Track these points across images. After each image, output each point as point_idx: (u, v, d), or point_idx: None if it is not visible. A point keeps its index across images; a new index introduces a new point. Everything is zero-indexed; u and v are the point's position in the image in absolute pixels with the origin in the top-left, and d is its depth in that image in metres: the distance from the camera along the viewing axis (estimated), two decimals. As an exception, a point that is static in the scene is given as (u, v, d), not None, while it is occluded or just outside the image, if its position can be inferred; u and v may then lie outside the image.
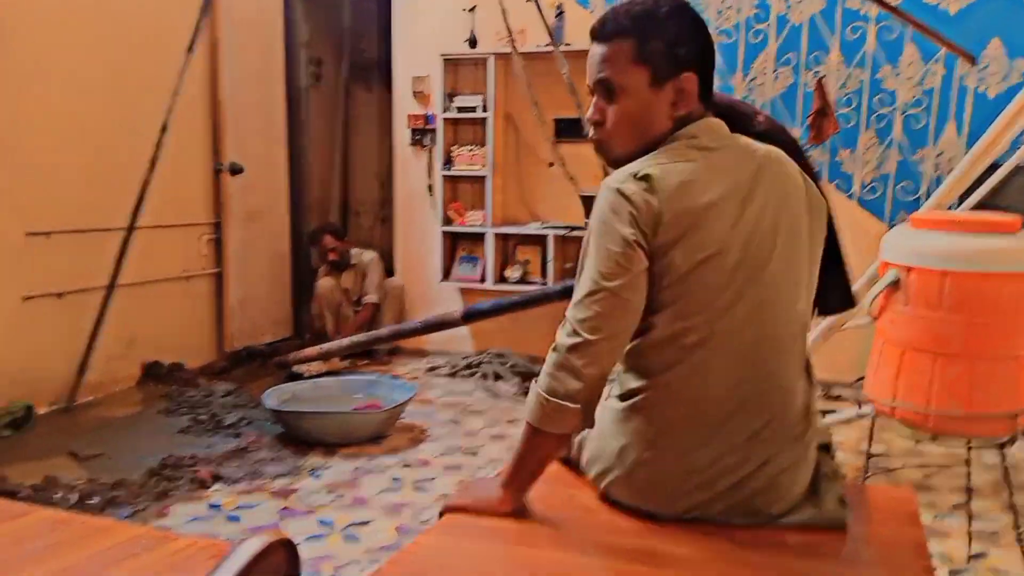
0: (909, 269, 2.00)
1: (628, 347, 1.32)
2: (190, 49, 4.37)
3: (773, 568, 1.20)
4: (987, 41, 4.24)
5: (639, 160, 1.29)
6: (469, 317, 4.08)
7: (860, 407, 2.88)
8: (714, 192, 1.26)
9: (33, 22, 3.65)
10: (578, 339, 1.25)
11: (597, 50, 1.35)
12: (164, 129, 4.23)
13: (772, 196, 1.31)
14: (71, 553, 1.13)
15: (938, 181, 4.15)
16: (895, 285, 2.01)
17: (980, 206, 3.77)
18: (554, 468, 1.50)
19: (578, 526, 1.34)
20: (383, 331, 4.49)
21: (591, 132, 1.39)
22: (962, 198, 3.72)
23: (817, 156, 4.48)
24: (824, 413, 3.29)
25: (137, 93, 4.18)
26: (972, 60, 4.20)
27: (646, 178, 1.24)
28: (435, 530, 1.37)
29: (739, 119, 2.74)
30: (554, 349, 1.28)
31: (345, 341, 4.41)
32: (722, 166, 1.31)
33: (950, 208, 3.75)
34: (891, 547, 1.25)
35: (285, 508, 2.84)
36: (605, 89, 1.34)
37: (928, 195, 4.16)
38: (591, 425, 1.31)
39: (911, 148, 4.37)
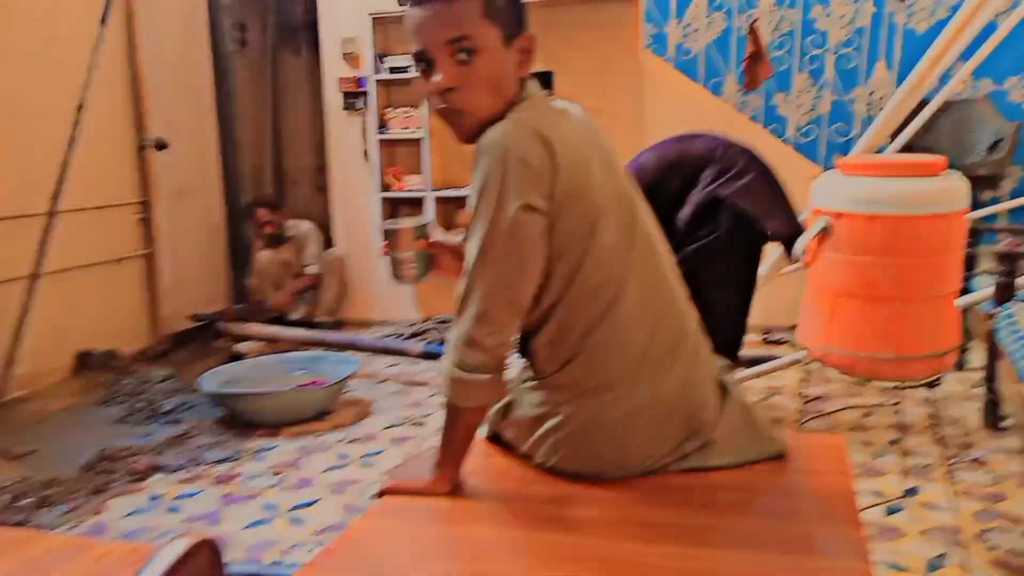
0: (838, 215, 1.99)
1: (543, 318, 1.30)
2: (103, 21, 4.14)
3: (711, 521, 1.21)
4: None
5: (512, 119, 1.24)
6: (428, 356, 4.00)
7: (796, 353, 2.90)
8: (587, 150, 1.27)
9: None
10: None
11: (439, 8, 1.24)
12: (81, 107, 4.02)
13: (610, 148, 1.36)
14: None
15: (870, 121, 4.16)
16: (825, 231, 2.00)
17: (911, 145, 3.80)
18: (485, 444, 1.49)
19: (516, 499, 1.32)
20: (333, 336, 4.40)
21: (438, 102, 1.28)
22: (894, 137, 3.73)
23: (752, 101, 4.46)
24: (760, 360, 3.33)
25: (50, 71, 3.98)
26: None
27: (545, 140, 1.20)
28: (371, 514, 1.35)
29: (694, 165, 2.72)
30: (456, 324, 1.24)
31: (291, 333, 4.34)
32: (578, 124, 1.31)
33: (881, 149, 3.76)
34: (820, 496, 1.26)
35: (227, 495, 2.78)
36: (460, 50, 1.24)
37: (862, 135, 4.18)
38: (504, 395, 1.32)
39: (844, 88, 4.37)
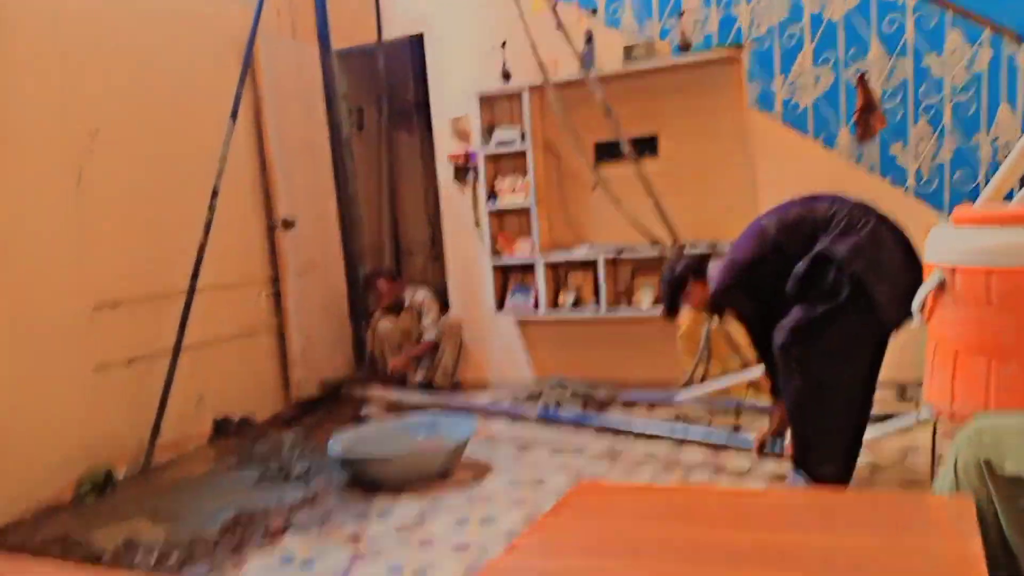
0: (953, 269, 1.93)
1: None
2: (233, 116, 4.50)
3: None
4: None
5: None
6: (544, 418, 4.12)
7: (919, 410, 2.79)
8: None
9: (88, 102, 3.84)
10: None
11: None
12: (215, 193, 4.34)
13: None
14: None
15: (995, 166, 4.00)
16: (941, 286, 1.94)
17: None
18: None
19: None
20: (454, 403, 4.56)
21: None
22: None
23: (868, 153, 4.37)
24: (886, 417, 3.19)
25: (187, 162, 4.34)
26: (1018, 39, 4.05)
27: None
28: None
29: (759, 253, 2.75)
30: None
31: (416, 397, 4.50)
32: None
33: (1010, 195, 3.60)
34: (943, 560, 1.20)
35: (355, 555, 2.86)
36: None
37: (988, 181, 4.01)
38: None
39: (965, 135, 4.23)
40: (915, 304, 2.06)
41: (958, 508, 1.38)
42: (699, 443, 3.69)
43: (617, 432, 3.95)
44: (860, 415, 2.79)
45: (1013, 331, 1.83)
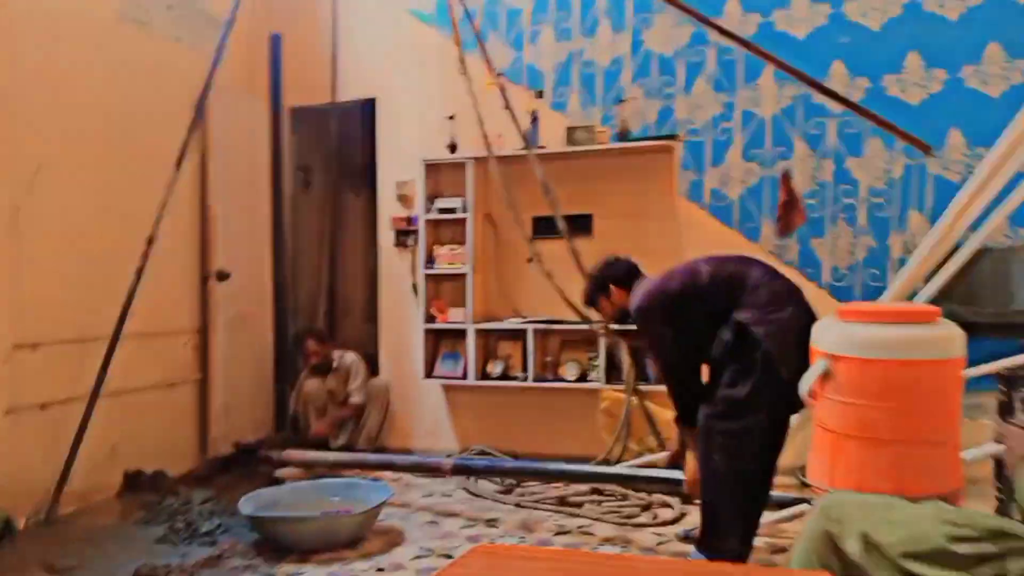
0: (836, 358, 2.06)
1: None
2: (178, 164, 4.53)
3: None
4: (947, 130, 4.40)
5: None
6: (458, 471, 4.10)
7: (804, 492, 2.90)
8: None
9: (33, 139, 3.83)
10: None
11: None
12: (151, 240, 4.33)
13: None
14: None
15: (902, 264, 4.23)
16: (825, 374, 2.07)
17: (949, 292, 3.85)
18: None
19: None
20: (371, 457, 4.56)
21: None
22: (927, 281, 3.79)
23: (789, 246, 4.58)
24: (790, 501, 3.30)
25: (126, 206, 4.33)
26: (929, 150, 4.34)
27: None
28: None
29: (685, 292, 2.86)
30: None
31: (331, 456, 4.48)
32: None
33: (914, 294, 3.81)
34: None
35: (254, 618, 2.82)
36: None
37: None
38: None
39: (878, 235, 4.48)
40: (802, 388, 2.18)
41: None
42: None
43: (531, 475, 4.01)
44: (764, 495, 2.88)
45: (887, 420, 1.95)
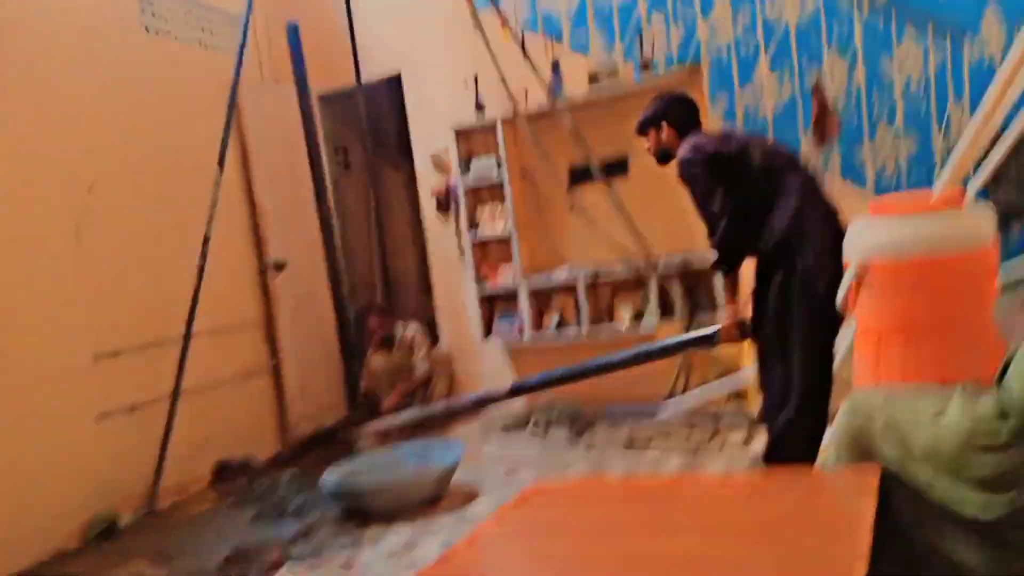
0: (869, 260, 2.06)
1: None
2: (221, 163, 4.67)
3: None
4: (983, 11, 4.22)
5: None
6: (515, 391, 4.21)
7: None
8: None
9: (85, 157, 4.04)
10: None
11: None
12: (207, 240, 4.50)
13: None
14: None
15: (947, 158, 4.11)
16: (858, 279, 2.07)
17: (997, 176, 3.73)
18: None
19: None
20: (436, 408, 4.67)
21: None
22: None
23: (832, 156, 4.49)
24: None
25: (178, 210, 4.51)
26: (963, 36, 4.17)
27: None
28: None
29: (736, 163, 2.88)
30: None
31: (400, 419, 4.61)
32: None
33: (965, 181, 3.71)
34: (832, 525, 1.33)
35: (347, 579, 2.98)
36: None
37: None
38: None
39: (922, 133, 4.34)
40: (839, 297, 2.19)
41: (858, 479, 1.50)
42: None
43: (582, 376, 4.08)
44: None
45: (923, 312, 1.95)
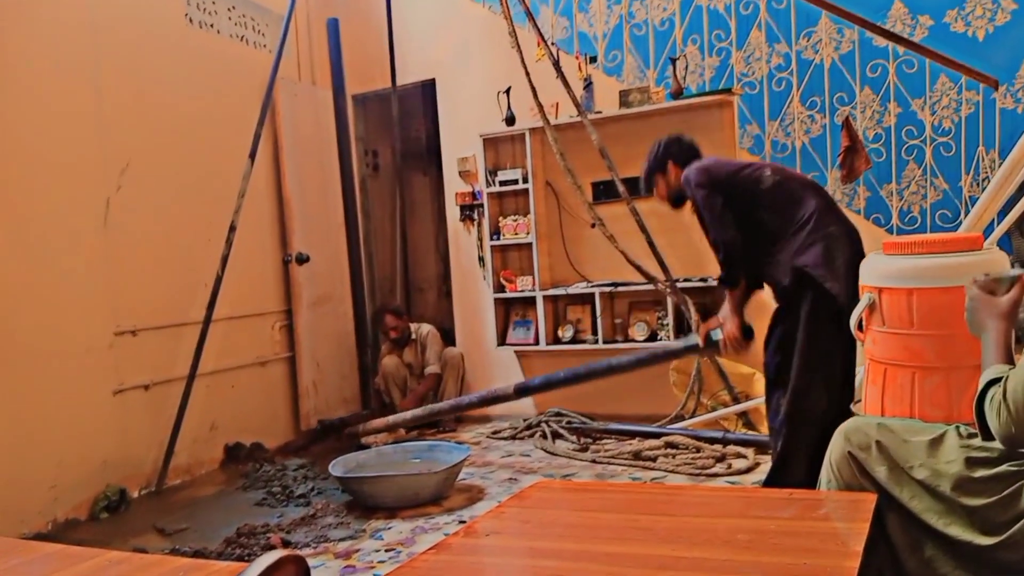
0: (880, 291, 2.10)
1: None
2: (252, 155, 4.77)
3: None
4: (1018, 63, 4.26)
5: None
6: (521, 392, 4.25)
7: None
8: None
9: (120, 138, 4.13)
10: None
11: None
12: (233, 228, 4.59)
13: None
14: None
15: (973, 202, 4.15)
16: (872, 307, 2.10)
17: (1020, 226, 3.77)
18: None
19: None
20: (442, 404, 4.73)
21: None
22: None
23: (859, 193, 4.53)
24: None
25: (207, 198, 4.61)
26: (996, 85, 4.21)
27: None
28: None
29: (744, 186, 2.91)
30: None
31: (408, 414, 4.66)
32: None
33: (988, 229, 3.75)
34: (826, 539, 1.36)
35: (347, 566, 3.03)
36: None
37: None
38: None
39: (949, 176, 4.38)
40: (852, 323, 2.23)
41: (853, 501, 1.54)
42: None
43: (585, 379, 4.10)
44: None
45: (933, 346, 1.99)
